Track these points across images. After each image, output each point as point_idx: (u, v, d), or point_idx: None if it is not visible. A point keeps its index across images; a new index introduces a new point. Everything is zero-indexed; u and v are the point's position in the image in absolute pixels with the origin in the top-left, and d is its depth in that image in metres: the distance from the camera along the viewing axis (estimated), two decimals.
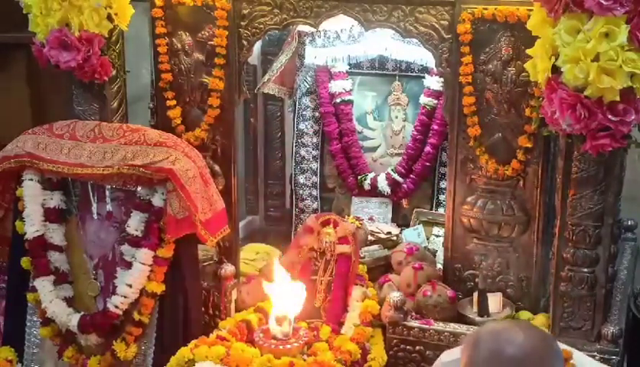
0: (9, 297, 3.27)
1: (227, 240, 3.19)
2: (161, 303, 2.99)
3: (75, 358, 3.08)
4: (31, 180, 3.08)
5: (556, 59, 2.47)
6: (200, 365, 2.71)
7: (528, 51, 2.61)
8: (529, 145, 2.84)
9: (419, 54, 3.52)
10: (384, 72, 3.77)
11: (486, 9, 2.80)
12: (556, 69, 2.49)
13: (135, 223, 2.96)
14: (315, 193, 3.90)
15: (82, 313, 3.04)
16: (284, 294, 2.92)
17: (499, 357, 1.78)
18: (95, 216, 3.12)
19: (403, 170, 3.73)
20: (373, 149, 3.83)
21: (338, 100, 3.77)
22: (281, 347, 2.81)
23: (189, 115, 3.21)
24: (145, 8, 3.20)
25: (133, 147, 2.94)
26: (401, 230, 3.64)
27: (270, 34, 3.40)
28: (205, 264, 3.22)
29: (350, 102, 3.79)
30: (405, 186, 3.73)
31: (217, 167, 3.19)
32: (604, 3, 2.32)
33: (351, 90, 3.79)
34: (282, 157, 4.06)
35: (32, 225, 3.07)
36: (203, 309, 3.13)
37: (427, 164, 3.67)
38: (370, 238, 3.51)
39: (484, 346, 1.82)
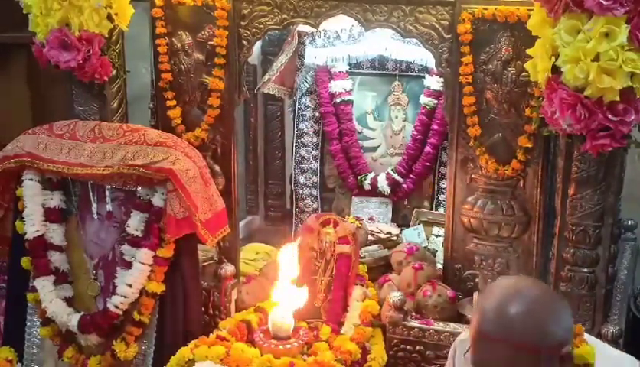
0: (9, 297, 3.26)
1: (227, 240, 3.19)
2: (161, 303, 2.99)
3: (75, 358, 3.08)
4: (31, 180, 3.08)
5: (556, 59, 2.47)
6: (200, 365, 2.71)
7: (528, 51, 2.60)
8: (529, 145, 2.84)
9: (419, 54, 3.52)
10: (384, 72, 3.77)
11: (486, 9, 2.79)
12: (556, 69, 2.48)
13: (135, 223, 2.96)
14: (315, 193, 3.90)
15: (82, 313, 3.03)
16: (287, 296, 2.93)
17: (506, 308, 1.85)
18: (95, 216, 3.12)
19: (403, 170, 3.73)
20: (373, 149, 3.83)
21: (338, 100, 3.77)
22: (281, 347, 2.81)
23: (189, 115, 3.21)
24: (145, 8, 3.20)
25: (133, 147, 2.94)
26: (401, 230, 3.64)
27: (270, 34, 3.40)
28: (205, 264, 3.22)
29: (350, 102, 3.79)
30: (405, 186, 3.73)
31: (217, 167, 3.19)
32: (604, 3, 2.32)
33: (351, 90, 3.79)
34: (282, 157, 4.06)
35: (32, 225, 3.07)
36: (203, 309, 3.13)
37: (427, 163, 3.68)
38: (370, 238, 3.51)
39: (493, 298, 1.89)
